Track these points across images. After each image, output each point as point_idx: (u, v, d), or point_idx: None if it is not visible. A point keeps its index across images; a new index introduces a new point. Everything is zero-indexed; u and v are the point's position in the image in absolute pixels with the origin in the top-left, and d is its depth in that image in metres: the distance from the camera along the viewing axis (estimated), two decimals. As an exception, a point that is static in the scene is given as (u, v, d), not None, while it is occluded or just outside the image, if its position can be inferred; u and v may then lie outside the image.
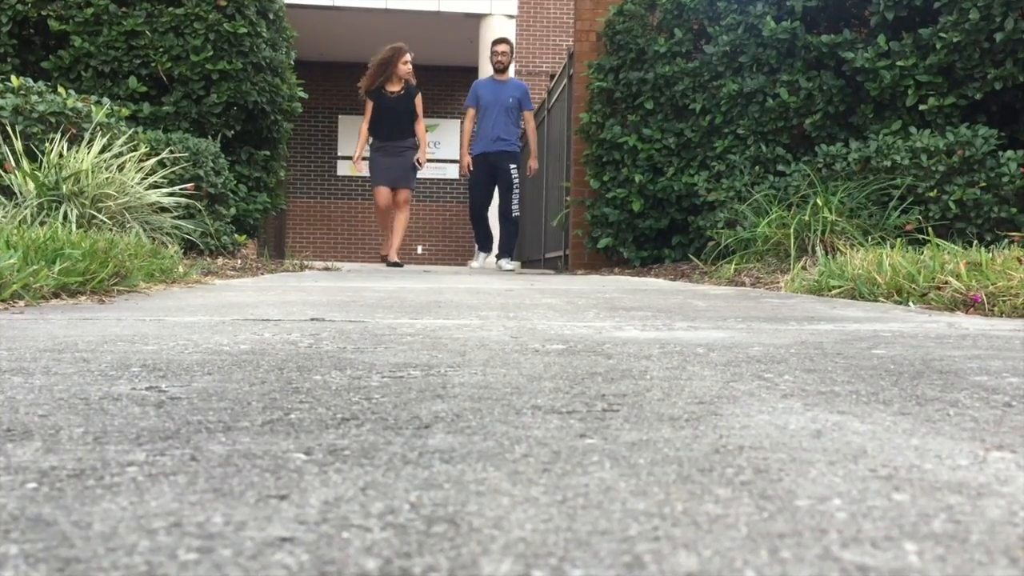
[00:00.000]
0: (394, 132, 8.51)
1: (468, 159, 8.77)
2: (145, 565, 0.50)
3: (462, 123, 9.17)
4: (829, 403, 1.04)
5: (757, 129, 6.02)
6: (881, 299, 3.00)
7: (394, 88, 8.52)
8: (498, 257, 8.77)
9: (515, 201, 8.64)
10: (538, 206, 10.89)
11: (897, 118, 5.35)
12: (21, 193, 3.99)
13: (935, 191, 4.60)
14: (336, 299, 2.82)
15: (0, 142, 4.22)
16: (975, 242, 3.91)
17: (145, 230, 4.21)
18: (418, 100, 8.63)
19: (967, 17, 4.90)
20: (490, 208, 8.87)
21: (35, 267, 2.42)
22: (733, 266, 4.81)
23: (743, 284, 4.28)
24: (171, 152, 5.26)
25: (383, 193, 8.65)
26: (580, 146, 7.45)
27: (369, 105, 8.53)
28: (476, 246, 9.14)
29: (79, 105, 4.74)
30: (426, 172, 16.31)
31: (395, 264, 8.30)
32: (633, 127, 6.79)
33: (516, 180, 8.62)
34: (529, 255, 11.41)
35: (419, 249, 15.47)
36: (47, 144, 4.29)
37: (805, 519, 0.59)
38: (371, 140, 8.66)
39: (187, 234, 4.77)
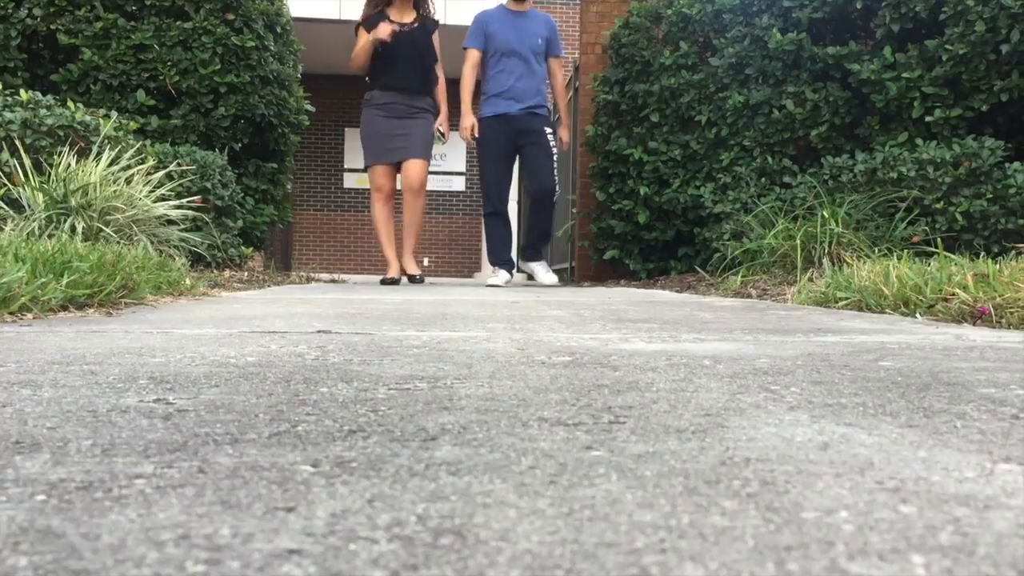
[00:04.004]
0: (406, 81, 5.99)
1: (472, 119, 6.19)
2: (153, 577, 0.50)
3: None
4: (836, 415, 1.04)
5: (763, 141, 6.02)
6: (888, 311, 2.99)
7: (404, 18, 6.05)
8: (527, 257, 6.25)
9: (555, 172, 6.20)
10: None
11: (903, 130, 5.35)
12: (29, 206, 4.01)
13: (942, 203, 4.60)
14: (342, 311, 2.83)
15: (8, 155, 4.24)
16: (982, 254, 3.91)
17: (152, 243, 4.23)
18: (436, 39, 6.17)
19: (973, 29, 4.91)
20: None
21: (43, 280, 2.43)
22: (739, 278, 4.80)
23: (749, 296, 4.28)
24: (179, 165, 5.28)
25: (384, 176, 6.06)
26: (586, 158, 7.46)
27: (362, 36, 6.01)
28: (493, 260, 6.36)
29: (87, 118, 4.77)
30: (431, 183, 16.34)
31: (413, 279, 6.10)
32: (639, 139, 6.80)
33: (555, 146, 6.24)
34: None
35: (425, 261, 15.49)
36: (55, 157, 4.32)
37: (812, 531, 0.59)
38: (371, 91, 6.14)
39: (194, 247, 4.79)
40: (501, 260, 6.34)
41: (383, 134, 6.08)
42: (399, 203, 6.44)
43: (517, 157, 6.38)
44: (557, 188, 6.28)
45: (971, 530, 0.60)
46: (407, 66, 6.03)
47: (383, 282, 6.15)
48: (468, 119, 6.23)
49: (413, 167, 6.10)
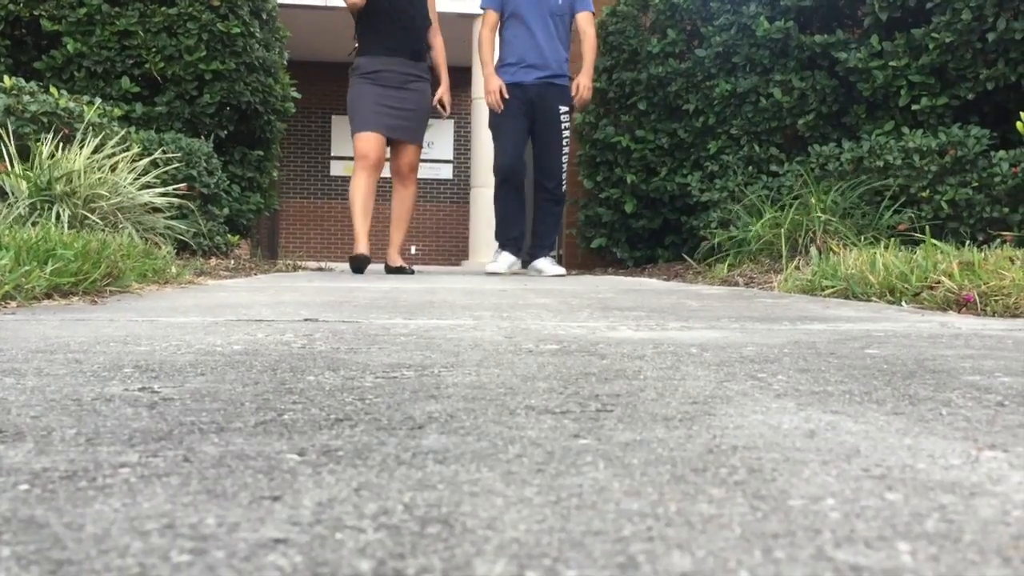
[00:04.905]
0: (400, 43, 5.38)
1: (499, 81, 5.57)
2: (138, 567, 0.50)
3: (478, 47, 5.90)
4: (822, 403, 1.04)
5: (750, 129, 6.03)
6: (874, 299, 3.00)
7: None
8: (533, 256, 5.75)
9: (563, 167, 5.72)
10: (531, 204, 10.26)
11: (890, 118, 5.36)
12: (13, 193, 3.97)
13: (927, 191, 4.61)
14: (329, 299, 2.82)
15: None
16: (967, 242, 3.93)
17: (138, 230, 4.20)
18: (431, 1, 5.62)
19: (959, 17, 4.92)
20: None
21: (27, 268, 2.41)
22: (726, 266, 4.81)
23: (737, 284, 4.28)
24: (164, 152, 5.24)
25: (372, 144, 5.31)
26: (574, 146, 7.45)
27: None
28: (498, 237, 5.74)
29: (71, 105, 4.73)
30: (419, 172, 16.19)
31: (399, 270, 5.56)
32: (626, 127, 6.79)
33: (567, 133, 5.71)
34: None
35: (412, 249, 15.47)
36: (40, 145, 4.28)
37: (799, 519, 0.60)
38: (356, 59, 5.50)
39: (180, 234, 4.76)
40: (507, 237, 5.69)
41: (374, 102, 5.39)
42: (385, 188, 6.00)
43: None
44: (563, 179, 5.71)
45: (957, 517, 0.60)
46: (399, 28, 5.40)
47: (352, 260, 5.43)
48: (494, 81, 5.56)
49: (405, 153, 5.54)
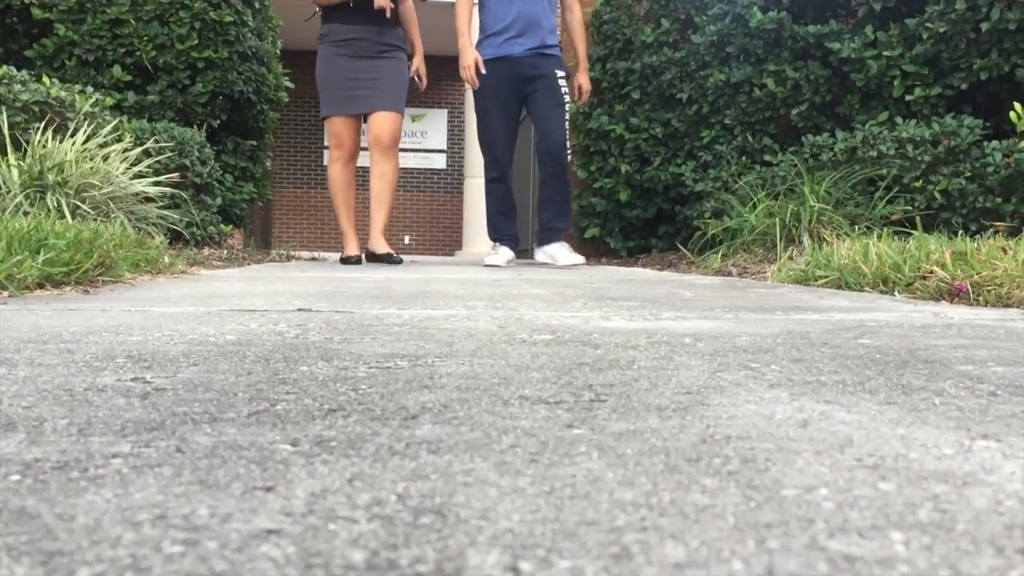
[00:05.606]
0: (370, 9, 4.98)
1: (475, 54, 5.07)
2: (130, 558, 0.50)
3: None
4: (816, 393, 1.04)
5: (744, 119, 6.03)
6: (867, 289, 3.01)
7: None
8: (542, 241, 5.29)
9: (567, 135, 5.19)
10: (525, 195, 9.31)
11: (883, 108, 5.37)
12: (5, 183, 3.95)
13: (921, 181, 4.62)
14: (323, 289, 2.81)
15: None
16: (960, 232, 3.93)
17: (130, 220, 4.18)
18: None
19: (953, 7, 4.92)
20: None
21: (19, 257, 2.40)
22: (720, 256, 4.81)
23: (730, 274, 4.29)
24: (156, 142, 5.22)
25: (346, 130, 5.07)
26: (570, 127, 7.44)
27: None
28: (494, 235, 5.37)
29: (63, 94, 4.70)
30: (412, 161, 16.19)
31: (386, 258, 5.25)
32: (620, 117, 6.79)
33: (567, 94, 5.21)
34: (516, 245, 11.26)
35: (406, 239, 15.45)
36: (31, 134, 4.26)
37: (792, 509, 0.60)
38: (326, 26, 5.19)
39: (172, 224, 4.74)
40: (502, 235, 5.34)
41: (345, 78, 5.03)
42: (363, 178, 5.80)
43: (523, 109, 5.32)
44: (568, 146, 5.20)
45: (950, 507, 0.60)
46: None
47: (343, 262, 5.17)
48: (469, 54, 5.03)
49: (382, 121, 5.03)
